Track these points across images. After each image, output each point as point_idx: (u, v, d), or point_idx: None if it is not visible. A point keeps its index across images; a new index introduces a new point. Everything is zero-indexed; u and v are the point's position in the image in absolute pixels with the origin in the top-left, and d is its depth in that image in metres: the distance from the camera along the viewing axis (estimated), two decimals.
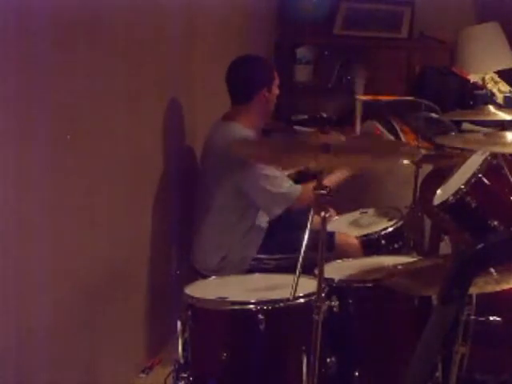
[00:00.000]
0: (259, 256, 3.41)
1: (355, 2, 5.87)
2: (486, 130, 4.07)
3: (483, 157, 3.04)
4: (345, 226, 3.63)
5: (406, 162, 3.42)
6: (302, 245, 2.47)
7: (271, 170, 3.32)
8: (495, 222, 2.93)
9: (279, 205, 3.35)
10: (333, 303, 2.56)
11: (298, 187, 3.36)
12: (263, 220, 3.47)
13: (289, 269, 2.67)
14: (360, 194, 4.35)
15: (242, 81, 3.49)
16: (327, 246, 2.33)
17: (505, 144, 2.76)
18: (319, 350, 2.28)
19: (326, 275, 2.43)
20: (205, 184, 3.48)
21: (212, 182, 3.42)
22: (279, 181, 3.34)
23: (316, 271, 2.41)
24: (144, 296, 3.42)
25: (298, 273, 2.43)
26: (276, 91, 3.53)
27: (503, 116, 3.21)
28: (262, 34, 5.40)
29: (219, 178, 3.38)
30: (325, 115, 5.12)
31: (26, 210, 2.45)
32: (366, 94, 5.22)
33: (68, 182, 2.69)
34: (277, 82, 3.53)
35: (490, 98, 5.02)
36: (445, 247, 3.95)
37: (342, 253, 3.19)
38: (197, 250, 3.48)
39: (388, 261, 2.85)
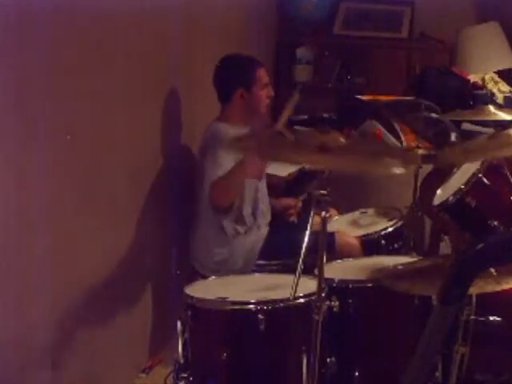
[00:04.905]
0: (259, 262, 3.38)
1: (355, 2, 5.87)
2: (485, 129, 4.07)
3: None
4: (345, 226, 3.63)
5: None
6: (301, 249, 2.46)
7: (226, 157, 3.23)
8: (495, 222, 2.93)
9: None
10: (333, 303, 2.56)
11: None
12: (263, 224, 3.47)
13: (288, 273, 2.66)
14: (360, 194, 4.35)
15: (220, 81, 3.49)
16: (327, 248, 2.32)
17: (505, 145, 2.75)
18: (319, 349, 2.28)
19: (326, 275, 2.42)
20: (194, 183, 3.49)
21: (195, 180, 3.43)
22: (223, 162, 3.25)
23: (316, 271, 2.41)
24: (144, 296, 3.43)
25: (298, 273, 2.43)
26: (261, 93, 3.47)
27: (503, 116, 3.20)
28: (262, 34, 5.40)
29: (198, 176, 3.39)
30: (325, 115, 5.11)
31: (27, 210, 2.45)
32: (366, 94, 5.21)
33: (68, 182, 2.69)
34: (262, 83, 3.47)
35: (489, 98, 5.02)
36: (445, 247, 3.94)
37: (342, 253, 3.19)
38: (193, 250, 3.48)
39: (388, 261, 2.84)
